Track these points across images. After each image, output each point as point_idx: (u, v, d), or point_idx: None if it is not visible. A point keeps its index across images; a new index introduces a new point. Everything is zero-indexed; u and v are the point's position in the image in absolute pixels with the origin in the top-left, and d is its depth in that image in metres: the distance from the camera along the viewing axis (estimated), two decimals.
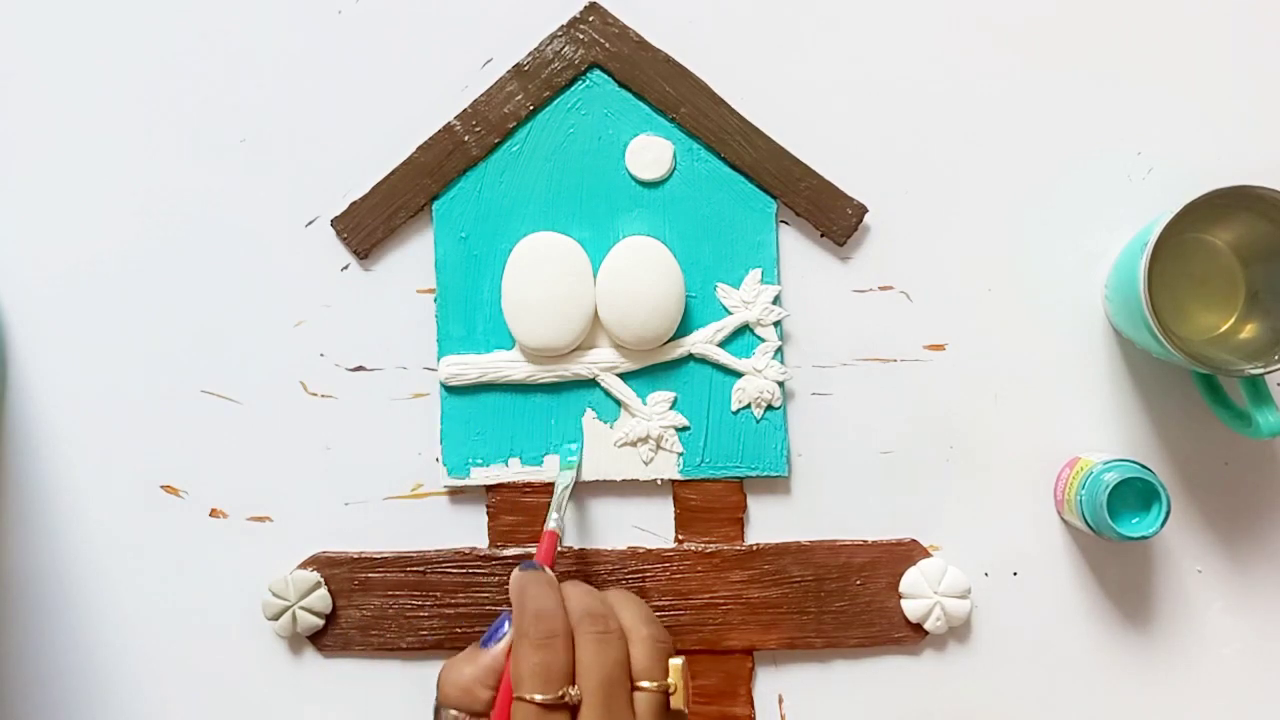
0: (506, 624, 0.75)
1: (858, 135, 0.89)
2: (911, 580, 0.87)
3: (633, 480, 0.89)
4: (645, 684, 0.73)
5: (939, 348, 0.89)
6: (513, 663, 0.72)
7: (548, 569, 0.77)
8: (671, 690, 0.74)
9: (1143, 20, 0.89)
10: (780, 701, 0.89)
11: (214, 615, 0.90)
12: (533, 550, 0.88)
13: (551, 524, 0.82)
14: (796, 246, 0.89)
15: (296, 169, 0.91)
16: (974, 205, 0.89)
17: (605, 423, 0.89)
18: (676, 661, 0.75)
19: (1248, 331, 0.85)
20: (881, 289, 0.90)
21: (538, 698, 0.70)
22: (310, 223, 0.91)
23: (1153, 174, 0.89)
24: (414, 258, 0.90)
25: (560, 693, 0.71)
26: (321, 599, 0.88)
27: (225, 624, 0.90)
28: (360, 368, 0.91)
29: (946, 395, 0.89)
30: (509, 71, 0.89)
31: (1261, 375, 0.82)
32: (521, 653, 0.72)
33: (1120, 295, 0.85)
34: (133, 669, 0.90)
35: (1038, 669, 0.88)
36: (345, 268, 0.91)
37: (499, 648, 0.75)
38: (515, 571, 0.76)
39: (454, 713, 0.74)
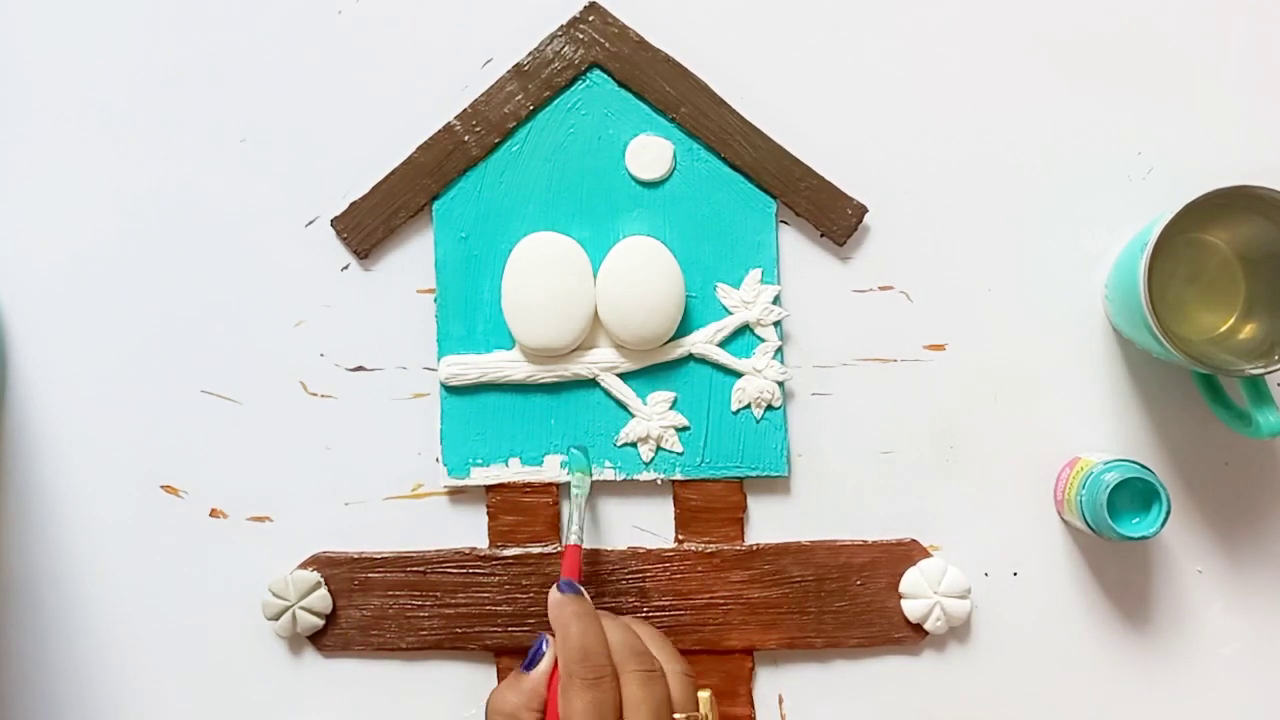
0: (545, 645, 0.77)
1: (858, 135, 0.89)
2: (911, 580, 0.87)
3: (633, 480, 0.89)
4: (679, 717, 0.75)
5: (939, 348, 0.89)
6: (562, 701, 0.74)
7: (584, 592, 0.79)
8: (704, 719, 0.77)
9: (1142, 21, 0.89)
10: (780, 701, 0.89)
11: (214, 615, 0.90)
12: (532, 550, 0.89)
13: (572, 538, 0.83)
14: (796, 246, 0.89)
15: (296, 169, 0.91)
16: (974, 205, 0.89)
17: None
18: (704, 694, 0.78)
19: (1248, 331, 0.85)
20: (881, 289, 0.90)
21: None
22: (310, 223, 0.91)
23: (1153, 174, 0.89)
24: (414, 258, 0.90)
25: None
26: (321, 599, 0.88)
27: (225, 624, 0.90)
28: (360, 368, 0.91)
29: (946, 395, 0.89)
30: (509, 71, 0.89)
31: (1261, 375, 0.82)
32: (573, 692, 0.73)
33: (1120, 295, 0.85)
34: (133, 669, 0.90)
35: (1038, 669, 0.88)
36: (345, 268, 0.91)
37: (540, 670, 0.77)
38: (554, 593, 0.78)
39: None
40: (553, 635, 0.78)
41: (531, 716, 0.75)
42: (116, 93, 0.91)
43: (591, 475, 0.87)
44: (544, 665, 0.77)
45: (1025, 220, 0.89)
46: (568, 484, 0.87)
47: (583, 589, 0.79)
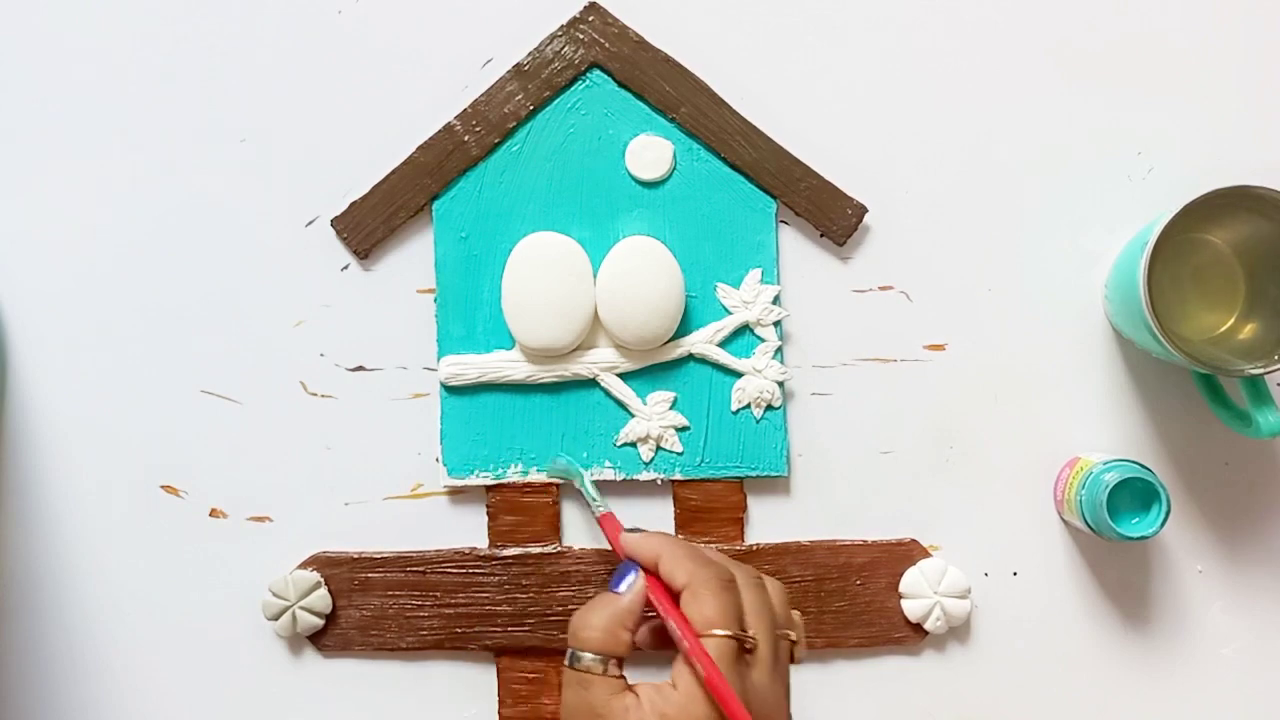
0: (633, 573, 0.75)
1: (857, 135, 0.89)
2: (911, 580, 0.88)
3: (633, 480, 0.89)
4: (783, 633, 0.75)
5: (939, 348, 0.89)
6: (694, 606, 0.71)
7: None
8: (796, 641, 0.75)
9: (1142, 21, 0.89)
10: None
11: (214, 615, 0.90)
12: (532, 550, 0.89)
13: (604, 509, 0.82)
14: (796, 246, 0.89)
15: (296, 169, 0.91)
16: (974, 205, 0.89)
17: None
18: (796, 614, 0.77)
19: (1248, 331, 0.85)
20: (881, 289, 0.90)
21: (734, 632, 0.71)
22: (310, 223, 0.91)
23: (1153, 174, 0.89)
24: (414, 258, 0.90)
25: (749, 631, 0.71)
26: (321, 599, 0.88)
27: (225, 624, 0.90)
28: (360, 368, 0.91)
29: (946, 395, 0.89)
30: (509, 71, 0.89)
31: (1261, 375, 0.82)
32: (707, 595, 0.71)
33: (1120, 295, 0.85)
34: (132, 669, 0.90)
35: (1038, 669, 0.88)
36: (345, 268, 0.91)
37: (636, 591, 0.75)
38: (628, 535, 0.77)
39: (590, 656, 0.72)
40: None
41: (626, 635, 0.73)
42: (116, 93, 0.91)
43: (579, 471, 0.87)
44: (639, 585, 0.75)
45: (1025, 220, 0.89)
46: (563, 482, 0.88)
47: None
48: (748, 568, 0.77)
